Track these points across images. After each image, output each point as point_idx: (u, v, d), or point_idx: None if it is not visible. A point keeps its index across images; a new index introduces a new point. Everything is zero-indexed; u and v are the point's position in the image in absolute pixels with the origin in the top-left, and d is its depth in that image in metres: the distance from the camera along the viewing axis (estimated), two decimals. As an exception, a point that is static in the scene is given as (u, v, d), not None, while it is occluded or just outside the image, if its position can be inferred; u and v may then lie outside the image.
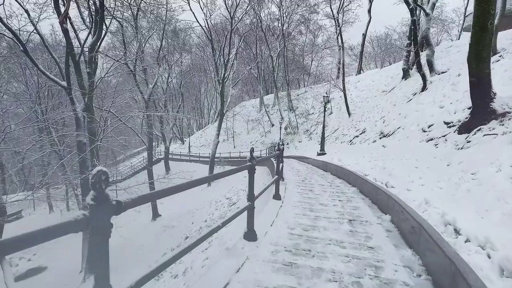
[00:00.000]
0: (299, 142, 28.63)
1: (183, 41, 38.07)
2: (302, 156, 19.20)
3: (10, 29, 13.48)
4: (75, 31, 16.02)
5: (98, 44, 16.25)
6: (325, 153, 16.91)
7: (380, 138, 12.96)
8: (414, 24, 15.23)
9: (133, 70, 21.34)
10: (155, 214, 23.45)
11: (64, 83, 14.42)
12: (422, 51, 16.64)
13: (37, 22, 15.61)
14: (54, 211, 22.73)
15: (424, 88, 13.42)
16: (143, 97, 22.15)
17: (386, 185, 5.76)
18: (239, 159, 29.01)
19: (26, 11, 15.01)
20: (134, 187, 16.03)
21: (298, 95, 36.72)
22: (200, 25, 26.44)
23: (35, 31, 15.36)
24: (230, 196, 15.13)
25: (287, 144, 30.07)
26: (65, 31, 13.69)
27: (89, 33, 14.83)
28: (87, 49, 14.94)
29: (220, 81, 26.01)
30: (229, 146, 36.29)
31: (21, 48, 13.96)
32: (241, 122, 38.85)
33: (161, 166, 34.92)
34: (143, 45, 22.80)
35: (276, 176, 6.34)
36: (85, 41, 14.68)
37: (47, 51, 15.49)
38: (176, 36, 35.63)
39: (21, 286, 17.60)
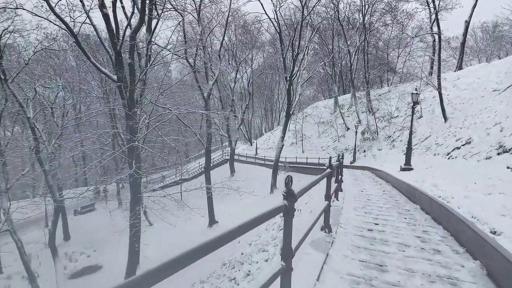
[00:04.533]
0: (379, 150, 24.34)
1: (255, 37, 36.12)
2: (379, 169, 15.37)
3: (62, 20, 12.59)
4: (126, 17, 14.78)
5: (151, 34, 14.98)
6: (412, 169, 12.94)
7: (499, 154, 8.85)
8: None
9: (192, 64, 19.89)
10: (212, 221, 21.97)
11: (115, 77, 13.18)
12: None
13: (89, 10, 14.66)
14: (122, 205, 22.47)
15: None
16: (202, 95, 20.51)
17: None
18: (306, 166, 25.98)
19: (81, 0, 14.19)
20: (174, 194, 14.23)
21: (379, 95, 31.97)
22: (268, 16, 23.94)
23: (87, 20, 14.54)
24: (280, 222, 12.19)
25: (364, 151, 26.04)
26: (106, 16, 12.35)
27: (130, 18, 13.28)
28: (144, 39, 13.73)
29: (288, 78, 23.31)
30: (297, 150, 33.35)
31: (74, 40, 13.15)
32: (312, 125, 35.49)
33: (227, 167, 33.74)
34: (206, 37, 21.11)
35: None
36: (126, 28, 13.17)
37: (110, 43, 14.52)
38: (247, 32, 33.84)
39: (72, 285, 17.34)
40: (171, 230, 19.44)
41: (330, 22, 35.10)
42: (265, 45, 43.10)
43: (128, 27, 13.58)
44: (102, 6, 12.06)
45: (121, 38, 12.91)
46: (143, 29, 14.87)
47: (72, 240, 22.76)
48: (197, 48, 19.66)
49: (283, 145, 24.62)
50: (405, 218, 6.22)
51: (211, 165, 33.91)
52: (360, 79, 41.20)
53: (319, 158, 25.05)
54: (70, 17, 13.67)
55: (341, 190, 8.59)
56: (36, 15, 13.34)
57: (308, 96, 57.44)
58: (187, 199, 22.76)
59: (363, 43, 31.15)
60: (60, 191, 18.84)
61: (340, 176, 8.39)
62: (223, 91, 33.16)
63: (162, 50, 14.90)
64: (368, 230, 5.26)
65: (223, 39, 23.09)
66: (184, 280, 12.09)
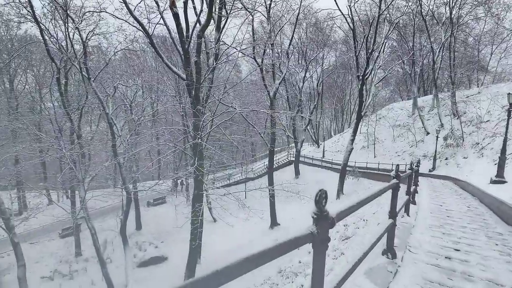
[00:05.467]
0: (464, 158, 21.52)
1: (327, 35, 34.88)
2: (464, 180, 13.40)
3: (139, 22, 13.24)
4: (197, 15, 15.05)
5: (219, 32, 15.05)
6: (506, 181, 10.95)
7: None
8: None
9: (259, 63, 19.69)
10: (274, 222, 21.76)
11: (184, 75, 13.54)
12: None
13: (163, 10, 15.23)
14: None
15: None
16: (268, 94, 20.21)
17: None
18: (377, 171, 24.12)
19: (156, 2, 14.80)
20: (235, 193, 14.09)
21: (467, 96, 28.42)
22: (342, 12, 22.61)
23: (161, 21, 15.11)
24: (343, 231, 10.90)
25: (446, 159, 23.30)
26: (176, 16, 12.62)
27: (198, 16, 13.43)
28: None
29: (360, 77, 21.85)
30: (369, 155, 31.23)
31: (148, 40, 13.77)
32: (386, 128, 32.97)
33: (291, 168, 33.18)
34: (275, 36, 20.78)
35: None
36: (194, 27, 13.34)
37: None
38: (318, 30, 32.78)
39: (139, 274, 18.31)
40: (233, 228, 19.51)
41: (411, 17, 32.30)
42: (337, 43, 41.44)
43: (197, 24, 13.79)
44: (172, 5, 12.33)
45: (189, 37, 13.17)
46: (212, 28, 15.07)
47: (144, 230, 24.17)
48: (265, 46, 19.41)
49: (353, 148, 23.18)
50: (497, 245, 4.92)
51: (276, 165, 33.70)
52: (444, 79, 37.59)
53: (392, 164, 23.06)
54: (147, 19, 14.32)
55: (414, 203, 7.40)
56: (117, 17, 14.21)
57: (384, 97, 53.97)
58: (250, 198, 22.73)
59: (449, 39, 28.02)
60: (134, 183, 20.07)
61: (413, 187, 7.19)
62: (291, 91, 32.59)
63: (227, 48, 14.84)
64: (446, 258, 4.14)
65: (292, 37, 22.50)
66: (239, 283, 11.76)
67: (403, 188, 4.89)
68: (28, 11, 15.21)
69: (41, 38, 16.24)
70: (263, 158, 42.25)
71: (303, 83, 31.13)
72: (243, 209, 14.61)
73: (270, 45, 19.78)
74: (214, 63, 14.08)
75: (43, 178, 25.82)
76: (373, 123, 32.83)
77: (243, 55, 18.39)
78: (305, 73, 31.06)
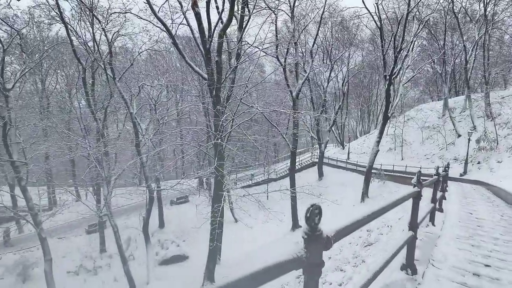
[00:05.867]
0: (498, 162, 20.37)
1: (353, 34, 34.06)
2: (497, 186, 12.60)
3: (162, 22, 13.39)
4: (219, 15, 15.02)
5: (241, 32, 14.93)
6: (544, 189, 10.18)
7: None
8: None
9: (282, 63, 19.43)
10: (295, 225, 21.45)
11: (206, 75, 13.55)
12: None
13: (186, 11, 15.32)
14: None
15: None
16: (290, 93, 19.90)
17: None
18: (404, 175, 23.24)
19: (180, 2, 14.91)
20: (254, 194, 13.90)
21: (502, 97, 26.93)
22: (368, 10, 21.93)
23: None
24: (366, 237, 10.37)
25: (478, 163, 22.15)
26: (197, 15, 12.62)
27: (220, 15, 13.38)
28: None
29: (388, 76, 21.14)
30: (396, 157, 30.20)
31: (172, 40, 13.88)
32: (415, 129, 31.70)
33: (315, 170, 32.59)
34: (298, 35, 20.46)
35: None
36: (215, 26, 13.30)
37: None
38: (344, 29, 32.05)
39: (160, 272, 18.51)
40: (255, 229, 19.36)
41: (442, 14, 30.98)
42: (364, 42, 40.44)
43: (219, 24, 13.76)
44: (194, 5, 12.34)
45: (211, 37, 13.14)
46: (235, 27, 14.98)
47: (166, 228, 24.45)
48: (288, 45, 19.14)
49: (378, 150, 22.46)
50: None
51: (299, 167, 33.30)
52: (477, 79, 35.96)
53: (420, 167, 22.14)
54: (171, 19, 14.45)
55: (442, 211, 6.91)
56: (141, 18, 14.41)
57: (412, 98, 52.17)
58: (270, 200, 22.50)
59: (483, 37, 26.66)
60: (157, 182, 20.32)
61: (441, 193, 6.71)
62: (315, 91, 32.05)
63: (249, 47, 14.71)
64: (474, 274, 3.68)
65: (317, 36, 22.06)
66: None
67: (427, 195, 4.50)
68: (57, 12, 15.69)
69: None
70: (286, 159, 41.87)
71: (328, 83, 30.52)
72: (263, 210, 14.42)
73: (293, 44, 19.50)
74: (235, 63, 13.97)
75: (72, 175, 26.70)
76: (401, 125, 31.70)
77: (265, 54, 18.19)
78: (330, 73, 30.43)
